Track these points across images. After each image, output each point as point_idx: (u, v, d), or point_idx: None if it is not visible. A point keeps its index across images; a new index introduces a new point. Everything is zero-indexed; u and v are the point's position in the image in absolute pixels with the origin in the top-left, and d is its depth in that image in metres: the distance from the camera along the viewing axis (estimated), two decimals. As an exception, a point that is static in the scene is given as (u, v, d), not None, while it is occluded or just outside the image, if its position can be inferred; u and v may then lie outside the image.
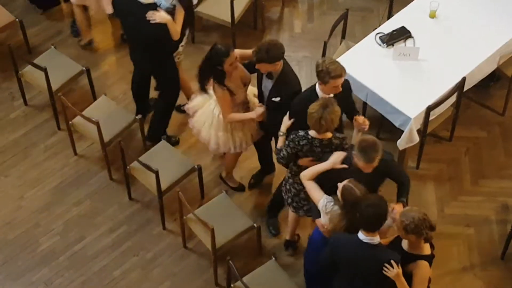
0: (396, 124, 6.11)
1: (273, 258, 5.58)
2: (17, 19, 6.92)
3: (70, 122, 6.33)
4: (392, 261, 4.61)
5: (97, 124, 5.99)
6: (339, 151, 5.12)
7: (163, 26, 5.79)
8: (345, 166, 4.98)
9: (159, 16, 5.75)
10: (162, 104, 6.49)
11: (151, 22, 5.74)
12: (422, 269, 4.74)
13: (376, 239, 4.67)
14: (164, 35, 5.86)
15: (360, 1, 7.68)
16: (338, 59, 6.23)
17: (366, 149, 4.82)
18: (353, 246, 4.70)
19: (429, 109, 6.00)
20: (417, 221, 4.59)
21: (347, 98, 5.46)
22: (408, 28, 6.39)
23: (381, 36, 6.39)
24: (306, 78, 7.09)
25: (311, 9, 7.67)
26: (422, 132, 6.19)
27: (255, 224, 5.75)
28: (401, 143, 6.11)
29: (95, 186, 6.45)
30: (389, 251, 4.73)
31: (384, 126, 6.51)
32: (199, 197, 6.28)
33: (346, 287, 4.94)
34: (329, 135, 5.17)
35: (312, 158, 5.22)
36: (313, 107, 5.01)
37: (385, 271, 4.61)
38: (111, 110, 6.40)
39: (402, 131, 6.05)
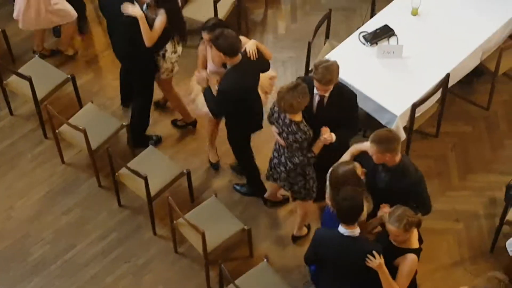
0: (383, 122, 6.14)
1: (265, 260, 5.59)
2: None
3: (56, 131, 6.31)
4: (374, 252, 4.68)
5: (84, 131, 5.98)
6: (297, 137, 5.29)
7: (135, 23, 5.80)
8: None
9: (132, 9, 5.78)
10: (137, 106, 6.50)
11: (124, 13, 5.78)
12: (409, 262, 4.81)
13: (356, 231, 4.76)
14: (134, 32, 5.86)
15: (342, 0, 7.71)
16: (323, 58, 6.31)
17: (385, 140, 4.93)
18: (335, 240, 4.80)
19: (415, 106, 6.03)
20: (408, 213, 4.70)
21: (348, 111, 5.46)
22: (391, 26, 6.43)
23: (364, 35, 6.42)
24: (292, 78, 7.07)
25: (294, 10, 7.69)
26: (408, 129, 6.22)
27: (245, 227, 5.76)
28: (388, 141, 6.13)
29: (84, 193, 6.44)
30: (371, 242, 4.83)
31: (371, 124, 6.52)
32: (189, 201, 6.29)
33: (330, 283, 5.01)
34: (297, 118, 5.27)
35: (276, 130, 5.43)
36: (282, 87, 5.21)
37: (367, 262, 4.70)
38: (97, 117, 6.39)
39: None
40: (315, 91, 5.39)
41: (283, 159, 5.58)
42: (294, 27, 7.55)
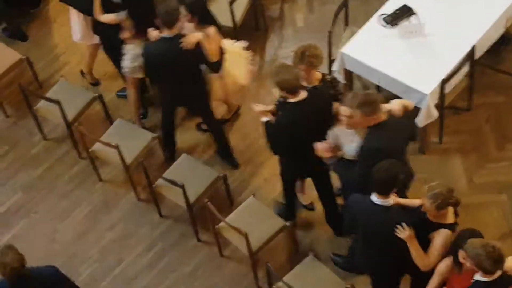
0: (413, 102, 6.07)
1: (311, 254, 5.58)
2: (23, 57, 6.97)
3: (90, 150, 6.37)
4: (403, 224, 4.68)
5: (117, 148, 6.03)
6: None
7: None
8: None
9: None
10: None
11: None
12: (442, 236, 4.80)
13: (389, 201, 4.79)
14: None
15: (358, -15, 7.65)
16: (345, 46, 6.28)
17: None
18: (367, 207, 4.84)
19: (444, 82, 5.96)
20: (445, 193, 4.68)
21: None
22: (410, 5, 6.35)
23: (384, 17, 6.36)
24: (316, 70, 7.07)
25: (310, 1, 7.64)
26: (440, 106, 6.15)
27: (287, 223, 5.75)
28: (421, 120, 6.08)
29: (125, 208, 6.49)
30: (402, 213, 4.85)
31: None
32: (228, 204, 6.30)
33: (362, 250, 5.06)
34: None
35: None
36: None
37: (396, 232, 4.71)
38: (128, 132, 6.43)
39: (420, 109, 6.02)
40: None
41: None
42: (312, 18, 7.51)
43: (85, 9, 6.42)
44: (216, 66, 6.03)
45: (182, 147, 6.67)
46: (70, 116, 6.53)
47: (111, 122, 6.68)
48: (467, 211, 6.07)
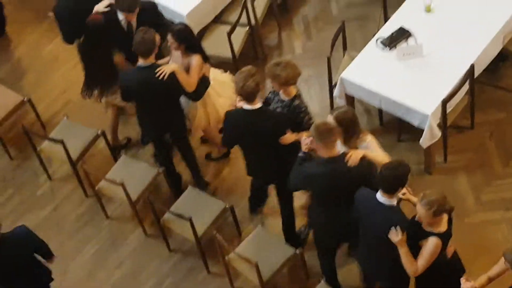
0: (415, 124, 6.09)
1: (322, 281, 5.55)
2: (25, 98, 7.01)
3: (96, 188, 6.37)
4: (398, 227, 4.76)
5: (122, 185, 6.03)
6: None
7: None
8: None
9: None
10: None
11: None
12: (431, 245, 4.82)
13: (392, 201, 4.84)
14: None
15: (354, 10, 7.70)
16: (344, 71, 6.31)
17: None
18: (371, 204, 4.90)
19: (445, 102, 5.98)
20: (441, 200, 4.71)
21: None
22: (407, 27, 6.39)
23: (382, 41, 6.40)
24: (316, 96, 7.11)
25: (307, 28, 7.70)
26: (442, 126, 6.16)
27: (297, 251, 5.74)
28: (424, 141, 6.09)
29: (133, 244, 6.48)
30: (401, 216, 4.88)
31: (404, 128, 6.50)
32: (237, 235, 6.28)
33: (362, 245, 5.17)
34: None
35: None
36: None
37: (389, 234, 4.79)
38: (133, 168, 6.44)
39: (423, 130, 6.03)
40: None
41: None
42: (310, 45, 7.56)
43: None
44: (194, 96, 6.09)
45: (188, 178, 6.68)
46: (75, 155, 6.55)
47: (116, 159, 6.69)
48: (476, 229, 6.06)
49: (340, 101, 6.49)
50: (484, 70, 6.43)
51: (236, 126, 5.56)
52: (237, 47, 7.05)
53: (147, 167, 6.47)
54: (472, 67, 6.11)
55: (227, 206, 6.09)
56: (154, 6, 6.48)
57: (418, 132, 6.09)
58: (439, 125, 6.11)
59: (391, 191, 4.82)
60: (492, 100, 6.79)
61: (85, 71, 6.43)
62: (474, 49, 6.21)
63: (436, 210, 4.69)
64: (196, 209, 6.03)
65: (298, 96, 5.63)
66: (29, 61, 7.69)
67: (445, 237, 4.86)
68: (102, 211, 6.61)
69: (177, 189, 6.55)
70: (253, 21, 7.19)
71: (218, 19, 7.30)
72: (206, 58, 6.19)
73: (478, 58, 6.19)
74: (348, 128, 5.18)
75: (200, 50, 6.12)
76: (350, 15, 7.60)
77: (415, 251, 4.85)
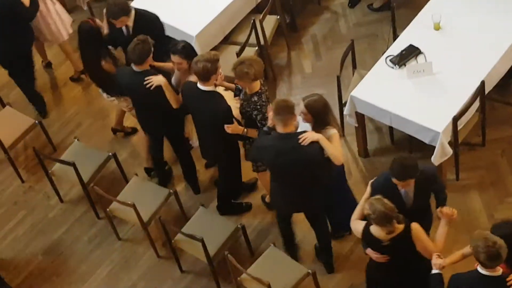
0: (426, 141, 6.07)
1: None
2: (36, 121, 7.04)
3: (107, 210, 6.38)
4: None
5: (133, 206, 6.03)
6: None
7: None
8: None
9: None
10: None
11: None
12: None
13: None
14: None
15: (362, 28, 7.72)
16: (354, 89, 6.31)
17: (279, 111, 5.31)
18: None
19: (455, 119, 5.96)
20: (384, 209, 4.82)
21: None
22: (416, 45, 6.39)
23: (391, 59, 6.40)
24: (327, 115, 7.10)
25: (316, 47, 7.72)
26: (453, 143, 6.14)
27: (309, 271, 5.71)
28: (436, 159, 6.06)
29: (145, 266, 6.46)
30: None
31: (415, 146, 6.47)
32: (249, 255, 6.26)
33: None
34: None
35: None
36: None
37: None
38: (145, 189, 6.44)
39: (434, 147, 6.01)
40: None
41: None
42: (320, 64, 7.57)
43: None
44: (178, 112, 6.15)
45: (198, 199, 6.68)
46: (86, 177, 6.56)
47: (127, 180, 6.70)
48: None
49: (350, 120, 6.49)
50: (495, 86, 6.41)
51: (188, 97, 5.91)
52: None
53: (158, 188, 6.47)
54: (482, 84, 6.10)
55: (239, 226, 6.08)
56: (154, 17, 6.55)
57: (430, 149, 6.06)
58: (450, 143, 6.09)
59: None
60: (503, 117, 6.76)
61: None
62: (484, 66, 6.20)
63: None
64: (208, 230, 6.01)
65: (258, 93, 5.76)
66: (40, 85, 7.73)
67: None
68: (114, 232, 6.60)
69: (162, 180, 6.80)
70: (262, 41, 7.21)
71: (227, 40, 7.34)
72: None
73: (489, 75, 6.17)
74: (317, 116, 5.39)
75: None
76: (359, 34, 7.61)
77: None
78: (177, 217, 6.58)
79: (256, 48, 7.20)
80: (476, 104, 6.19)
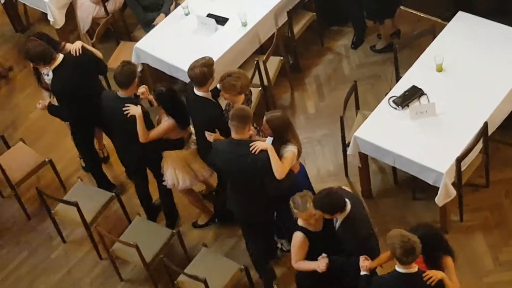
0: (430, 182, 6.06)
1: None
2: (46, 159, 7.05)
3: (110, 250, 6.35)
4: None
5: (135, 246, 6.01)
6: None
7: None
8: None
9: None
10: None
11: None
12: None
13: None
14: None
15: (365, 69, 7.77)
16: (358, 130, 6.32)
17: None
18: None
19: (459, 160, 5.96)
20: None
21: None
22: (419, 86, 6.42)
23: (394, 100, 6.43)
24: (330, 155, 7.11)
25: (320, 88, 7.76)
26: (457, 184, 6.12)
27: (242, 266, 5.91)
28: (439, 200, 6.04)
29: (148, 307, 6.43)
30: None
31: (419, 186, 6.46)
32: (253, 296, 6.22)
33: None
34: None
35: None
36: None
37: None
38: (147, 229, 6.42)
39: (438, 188, 6.00)
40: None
41: None
42: (323, 104, 7.60)
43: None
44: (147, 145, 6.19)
45: (201, 239, 6.66)
46: (89, 217, 6.54)
47: (130, 220, 6.69)
48: (496, 290, 5.97)
49: (353, 160, 6.49)
50: (498, 128, 6.41)
51: (187, 101, 6.15)
52: (250, 107, 7.09)
53: (161, 228, 6.45)
54: (485, 125, 6.11)
55: (242, 267, 6.04)
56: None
57: (433, 189, 6.05)
58: (454, 184, 6.07)
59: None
60: (507, 158, 6.75)
61: None
62: (487, 107, 6.21)
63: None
64: (211, 271, 5.97)
65: None
66: (45, 123, 7.77)
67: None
68: (117, 273, 6.56)
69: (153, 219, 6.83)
70: (266, 82, 7.26)
71: (231, 80, 7.37)
72: (185, 125, 6.22)
73: (492, 116, 6.19)
74: (277, 132, 5.53)
75: (177, 116, 6.12)
76: (362, 75, 7.66)
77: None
78: (180, 257, 6.54)
79: (260, 88, 7.24)
80: (480, 145, 6.19)
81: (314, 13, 7.84)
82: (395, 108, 6.39)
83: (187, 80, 6.97)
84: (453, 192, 6.04)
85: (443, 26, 6.99)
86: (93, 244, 6.69)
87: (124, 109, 6.03)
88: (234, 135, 5.51)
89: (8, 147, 7.23)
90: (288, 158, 5.51)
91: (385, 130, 6.28)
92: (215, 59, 7.01)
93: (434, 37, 6.88)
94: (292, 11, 7.52)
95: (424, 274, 4.85)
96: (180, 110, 6.16)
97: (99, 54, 6.67)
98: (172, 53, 7.12)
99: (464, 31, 6.80)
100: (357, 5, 7.65)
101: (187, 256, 6.44)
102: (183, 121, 6.18)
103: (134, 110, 6.02)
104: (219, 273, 6.01)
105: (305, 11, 7.84)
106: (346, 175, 6.91)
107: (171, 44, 7.24)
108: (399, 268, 4.83)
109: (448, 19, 7.07)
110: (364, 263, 5.14)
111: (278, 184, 5.50)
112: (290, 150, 5.54)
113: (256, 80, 7.18)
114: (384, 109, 6.43)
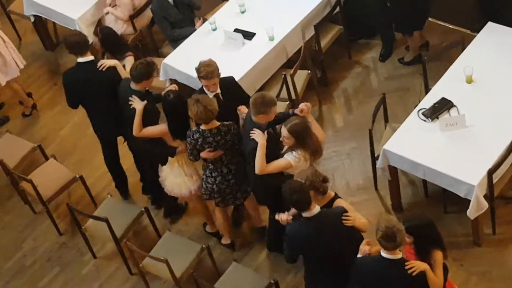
0: (461, 195, 5.99)
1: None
2: (76, 176, 7.11)
3: (140, 265, 6.36)
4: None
5: (166, 262, 6.02)
6: (229, 137, 5.95)
7: (115, 72, 6.47)
8: (266, 133, 5.76)
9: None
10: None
11: (103, 69, 6.43)
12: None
13: (314, 210, 5.19)
14: (119, 81, 6.45)
15: (394, 82, 7.73)
16: (387, 143, 6.28)
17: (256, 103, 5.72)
18: (304, 226, 5.23)
19: (490, 172, 5.89)
20: (311, 177, 5.25)
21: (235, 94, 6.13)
22: (449, 98, 6.37)
23: (423, 112, 6.38)
24: (359, 169, 7.07)
25: (348, 101, 7.73)
26: (489, 196, 6.04)
27: (272, 280, 5.82)
28: (471, 213, 5.97)
29: (178, 323, 6.41)
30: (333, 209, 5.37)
31: (450, 199, 6.39)
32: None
33: (313, 272, 5.55)
34: (215, 123, 5.90)
35: (209, 149, 5.96)
36: (189, 103, 5.86)
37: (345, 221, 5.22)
38: (177, 244, 6.42)
39: (469, 200, 5.93)
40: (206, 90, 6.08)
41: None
42: (351, 118, 7.57)
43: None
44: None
45: (231, 254, 6.64)
46: (119, 233, 6.57)
47: (159, 235, 6.70)
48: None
49: (383, 173, 6.44)
50: (530, 138, 6.33)
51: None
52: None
53: (191, 244, 6.45)
54: (517, 136, 6.03)
55: (272, 282, 6.01)
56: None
57: (465, 202, 5.98)
58: (485, 196, 5.99)
59: (305, 209, 5.20)
60: (539, 169, 6.66)
61: None
62: (518, 118, 6.15)
63: (321, 190, 5.34)
64: (241, 285, 5.96)
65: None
66: (75, 140, 7.84)
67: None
68: (147, 289, 6.59)
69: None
70: (293, 96, 7.25)
71: (258, 95, 7.38)
72: (175, 135, 6.25)
73: (523, 126, 6.11)
74: (300, 139, 5.64)
75: (171, 124, 6.22)
76: (391, 87, 7.62)
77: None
78: (210, 272, 6.53)
79: (288, 102, 7.24)
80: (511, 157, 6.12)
81: (341, 26, 7.83)
82: (425, 121, 6.34)
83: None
84: (485, 205, 5.97)
85: (472, 38, 6.95)
86: (123, 259, 6.71)
87: (130, 98, 6.21)
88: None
89: (46, 158, 7.32)
90: (279, 163, 5.67)
91: (414, 143, 6.23)
92: (242, 74, 7.08)
93: (463, 48, 6.83)
94: (319, 25, 7.52)
95: (406, 263, 4.88)
96: (177, 120, 6.21)
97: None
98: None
99: (493, 42, 6.75)
100: (386, 17, 7.62)
101: (217, 271, 6.43)
102: (175, 132, 6.22)
103: (137, 103, 6.18)
104: (249, 285, 5.99)
105: (332, 24, 7.84)
106: (376, 188, 6.86)
107: (199, 59, 7.23)
108: (383, 253, 4.90)
109: (477, 30, 7.02)
110: (364, 247, 5.13)
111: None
112: (285, 158, 5.64)
113: (284, 94, 7.18)
114: (413, 122, 6.38)
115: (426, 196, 6.73)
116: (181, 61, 7.33)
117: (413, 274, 4.84)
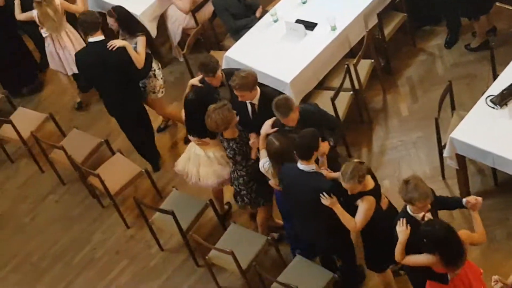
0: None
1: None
2: (142, 170, 7.20)
3: (206, 257, 6.40)
4: (325, 193, 5.29)
5: (231, 253, 6.04)
6: (239, 145, 6.04)
7: (125, 52, 6.63)
8: (275, 129, 5.82)
9: (119, 42, 6.46)
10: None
11: (112, 49, 6.60)
12: (366, 202, 5.31)
13: (310, 167, 5.42)
14: (128, 61, 6.69)
15: (460, 69, 7.55)
16: (454, 131, 6.14)
17: (279, 107, 5.75)
18: (293, 173, 5.49)
19: None
20: (357, 167, 5.20)
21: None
22: (518, 83, 6.20)
23: (492, 99, 6.21)
24: (425, 158, 6.95)
25: (413, 90, 7.59)
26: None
27: (335, 275, 5.90)
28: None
29: (244, 314, 6.44)
30: (323, 180, 5.42)
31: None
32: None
33: (297, 220, 5.83)
34: (226, 135, 6.02)
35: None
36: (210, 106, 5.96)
37: (321, 199, 5.32)
38: (242, 236, 6.44)
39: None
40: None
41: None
42: (416, 106, 7.43)
43: None
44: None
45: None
46: (185, 225, 6.63)
47: (225, 228, 6.73)
48: None
49: (450, 162, 6.31)
50: None
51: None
52: (341, 112, 7.02)
53: (256, 235, 6.46)
54: None
55: (335, 275, 5.96)
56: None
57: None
58: (559, 184, 5.81)
59: (307, 157, 5.40)
60: None
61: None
62: None
63: (359, 177, 5.17)
64: (304, 279, 5.93)
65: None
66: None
67: (375, 192, 5.36)
68: (213, 280, 6.61)
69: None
70: (356, 86, 7.17)
71: (321, 85, 7.33)
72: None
73: None
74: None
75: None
76: (457, 75, 7.45)
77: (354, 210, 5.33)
78: (275, 264, 6.51)
79: (351, 92, 7.16)
80: None
81: (405, 14, 7.69)
82: (493, 108, 6.18)
83: (276, 86, 6.99)
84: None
85: (541, 21, 6.74)
86: (189, 252, 6.77)
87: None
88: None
89: (113, 153, 7.46)
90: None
91: (483, 130, 6.07)
92: (305, 65, 7.03)
93: (532, 32, 6.64)
94: (382, 13, 7.40)
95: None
96: (195, 119, 6.33)
97: (138, 60, 6.80)
98: (261, 60, 7.14)
99: None
100: (451, 2, 7.44)
101: (284, 263, 6.40)
102: (192, 130, 6.46)
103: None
104: (312, 282, 5.95)
105: (396, 12, 7.71)
106: (443, 177, 6.73)
107: (260, 52, 7.26)
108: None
109: (547, 13, 6.81)
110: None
111: None
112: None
113: (347, 84, 7.10)
114: (482, 109, 6.22)
115: (496, 185, 6.57)
116: (243, 54, 7.33)
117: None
